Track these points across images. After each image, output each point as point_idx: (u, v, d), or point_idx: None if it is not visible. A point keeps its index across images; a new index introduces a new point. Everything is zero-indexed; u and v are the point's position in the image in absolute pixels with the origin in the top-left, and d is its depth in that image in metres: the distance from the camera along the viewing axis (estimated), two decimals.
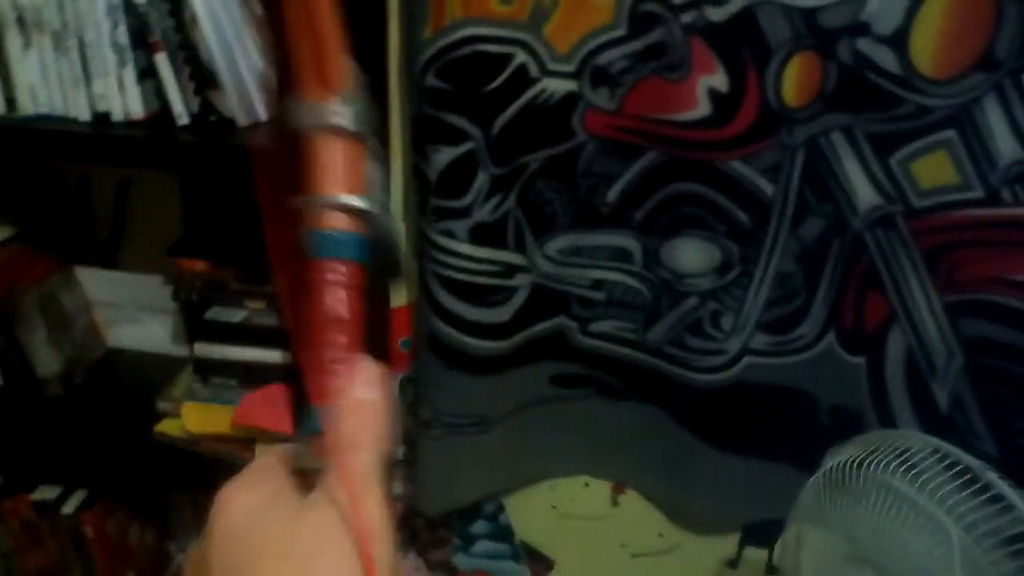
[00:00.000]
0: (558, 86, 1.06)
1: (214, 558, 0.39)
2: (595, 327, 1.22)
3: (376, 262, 0.42)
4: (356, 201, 0.42)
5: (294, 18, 0.41)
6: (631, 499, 1.39)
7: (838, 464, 0.88)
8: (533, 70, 1.05)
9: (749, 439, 1.21)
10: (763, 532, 1.34)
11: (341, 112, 0.41)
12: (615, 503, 1.40)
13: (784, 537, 1.02)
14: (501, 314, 1.20)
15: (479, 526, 1.46)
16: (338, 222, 0.41)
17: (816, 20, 0.97)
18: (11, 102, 1.17)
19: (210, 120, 1.13)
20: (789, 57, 0.99)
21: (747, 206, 1.07)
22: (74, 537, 1.49)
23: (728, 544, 1.37)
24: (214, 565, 0.39)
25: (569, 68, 1.05)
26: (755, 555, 1.36)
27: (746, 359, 1.16)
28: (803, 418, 1.17)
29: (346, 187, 0.42)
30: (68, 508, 1.48)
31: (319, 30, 0.41)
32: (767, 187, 1.06)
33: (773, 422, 1.19)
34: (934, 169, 1.01)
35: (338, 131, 0.41)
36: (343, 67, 0.42)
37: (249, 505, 0.40)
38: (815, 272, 1.10)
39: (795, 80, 1.00)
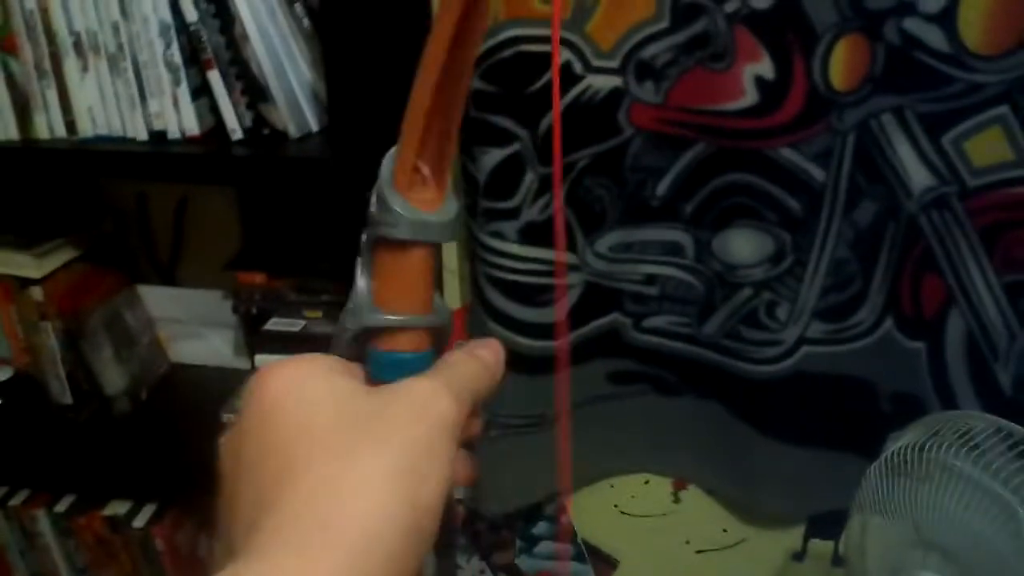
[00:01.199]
0: (603, 82, 1.06)
1: (251, 438, 0.36)
2: (649, 323, 1.22)
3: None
4: (420, 321, 0.41)
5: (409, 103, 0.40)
6: (693, 495, 1.38)
7: (899, 449, 0.87)
8: (577, 67, 1.06)
9: (809, 429, 1.20)
10: (828, 523, 1.32)
11: (396, 222, 0.40)
12: (677, 499, 1.39)
13: (848, 527, 1.00)
14: (554, 313, 1.21)
15: (541, 527, 1.47)
16: (401, 344, 0.41)
17: (862, 2, 0.96)
18: (71, 125, 1.20)
19: (263, 133, 1.15)
20: (835, 41, 0.99)
21: (798, 193, 1.07)
22: (145, 550, 1.52)
23: (793, 537, 1.36)
24: (251, 445, 0.36)
25: (613, 64, 1.05)
26: (821, 547, 1.35)
27: (803, 349, 1.15)
28: (863, 406, 1.16)
29: (409, 307, 0.41)
30: (139, 522, 1.51)
31: (406, 126, 0.40)
32: (818, 173, 1.05)
33: (833, 411, 1.18)
34: (988, 147, 1.00)
35: (401, 241, 0.40)
36: (412, 172, 0.40)
37: (292, 380, 0.37)
38: (870, 257, 1.09)
39: (842, 64, 0.99)
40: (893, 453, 0.90)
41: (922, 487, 0.86)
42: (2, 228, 1.42)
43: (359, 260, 0.41)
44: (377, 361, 0.41)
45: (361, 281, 0.40)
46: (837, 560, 1.35)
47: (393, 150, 0.40)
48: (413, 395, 0.37)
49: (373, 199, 0.40)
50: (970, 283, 1.06)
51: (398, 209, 0.39)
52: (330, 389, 0.37)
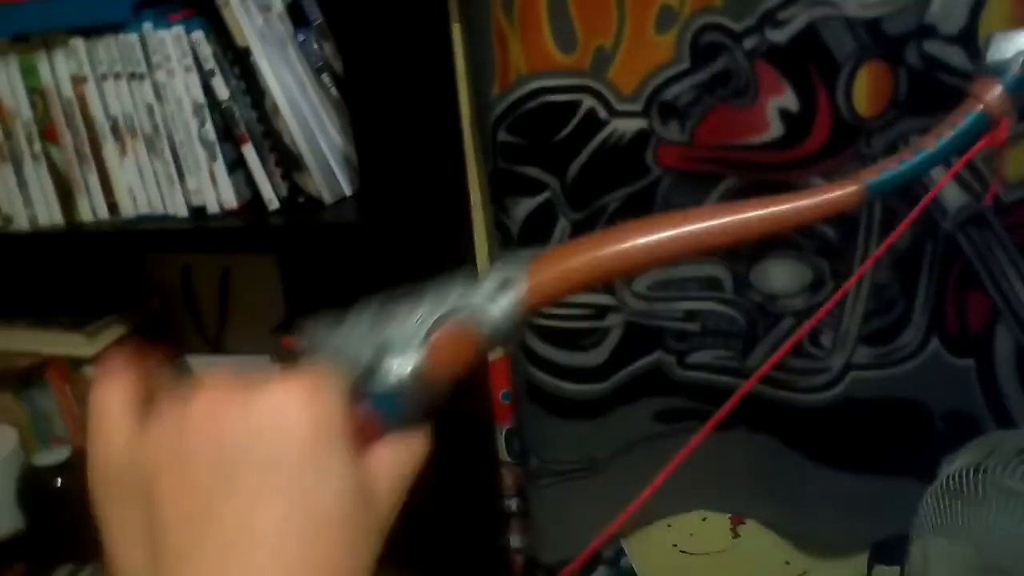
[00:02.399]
0: (628, 125, 1.07)
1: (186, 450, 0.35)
2: (693, 359, 1.22)
3: None
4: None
5: None
6: (752, 529, 1.37)
7: (955, 472, 0.86)
8: (601, 113, 1.07)
9: (864, 455, 1.19)
10: (892, 549, 1.30)
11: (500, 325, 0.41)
12: (736, 535, 1.38)
13: (910, 552, 0.99)
14: (597, 356, 1.21)
15: (601, 572, 1.46)
16: None
17: (881, 29, 0.97)
18: (113, 206, 1.23)
19: (299, 201, 1.17)
20: (857, 68, 0.99)
21: (833, 221, 1.07)
22: None
23: (857, 565, 1.34)
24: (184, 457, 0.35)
25: (636, 107, 1.06)
26: (886, 574, 1.33)
27: (851, 375, 1.14)
28: (917, 428, 1.15)
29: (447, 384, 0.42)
30: None
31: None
32: None
33: (887, 435, 1.16)
34: (1019, 161, 0.99)
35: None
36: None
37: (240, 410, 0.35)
38: (911, 279, 1.09)
39: (866, 90, 1.00)
40: (949, 477, 0.89)
41: (980, 510, 0.85)
42: (53, 310, 1.46)
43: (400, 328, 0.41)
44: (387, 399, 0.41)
45: (404, 359, 0.40)
46: None
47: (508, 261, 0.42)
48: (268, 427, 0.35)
49: (460, 288, 0.41)
50: (1014, 296, 1.06)
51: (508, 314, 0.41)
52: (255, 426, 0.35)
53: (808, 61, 1.00)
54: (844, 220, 1.06)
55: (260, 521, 0.33)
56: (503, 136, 1.10)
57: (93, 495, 0.37)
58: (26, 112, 1.23)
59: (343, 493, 0.35)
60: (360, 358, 0.40)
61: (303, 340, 0.41)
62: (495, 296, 0.41)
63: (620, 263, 0.42)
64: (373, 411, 0.39)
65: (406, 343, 0.40)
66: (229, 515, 0.33)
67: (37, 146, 1.24)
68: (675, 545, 1.42)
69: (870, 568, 1.33)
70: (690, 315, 1.19)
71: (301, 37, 1.14)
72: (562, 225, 1.14)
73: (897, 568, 1.32)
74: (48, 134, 1.23)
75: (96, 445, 0.37)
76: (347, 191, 1.17)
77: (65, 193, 1.25)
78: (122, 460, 0.35)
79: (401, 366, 0.39)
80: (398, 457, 0.39)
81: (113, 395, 0.38)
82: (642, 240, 0.42)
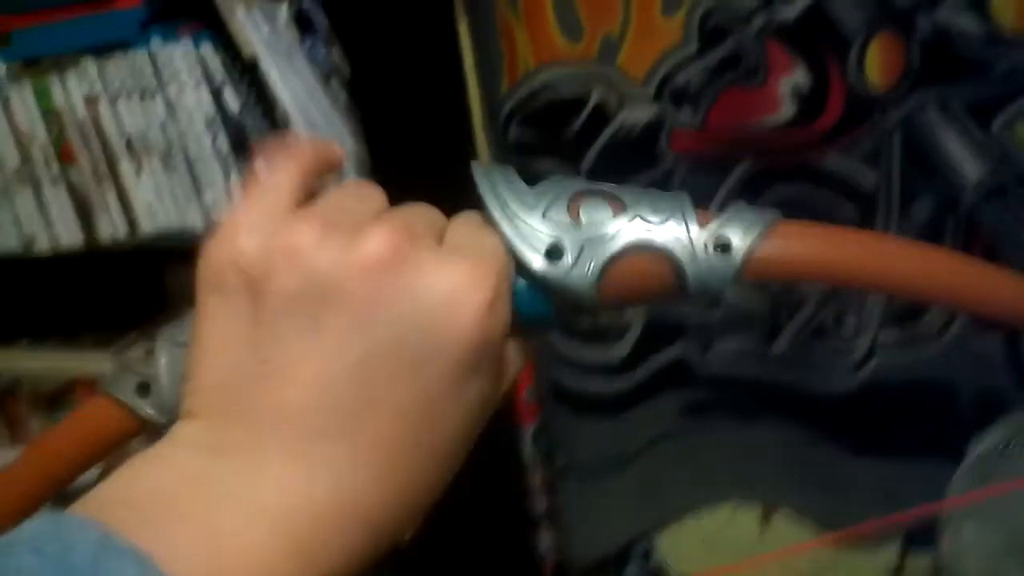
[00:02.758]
0: (640, 113, 1.07)
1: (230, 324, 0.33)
2: (716, 349, 1.20)
3: None
4: None
5: None
6: (783, 518, 1.35)
7: (983, 452, 0.85)
8: (612, 102, 1.07)
9: (893, 439, 1.17)
10: (925, 534, 1.28)
11: None
12: (767, 525, 1.36)
13: (942, 536, 0.98)
14: (619, 350, 1.20)
15: (632, 569, 1.44)
16: None
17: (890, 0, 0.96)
18: (132, 223, 1.24)
19: None
20: (868, 41, 0.98)
21: (852, 198, 1.06)
22: None
23: (889, 552, 1.32)
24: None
25: (647, 93, 1.06)
26: (920, 560, 1.30)
27: (877, 358, 1.13)
28: (946, 409, 1.13)
29: None
30: None
31: None
32: (869, 175, 1.04)
33: (915, 418, 1.15)
34: None
35: None
36: None
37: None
38: None
39: (878, 63, 0.99)
40: (977, 458, 0.88)
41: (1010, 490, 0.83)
42: (78, 330, 1.46)
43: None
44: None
45: (587, 268, 0.36)
46: (937, 571, 1.30)
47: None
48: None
49: (678, 211, 0.37)
50: None
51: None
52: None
53: (818, 37, 0.99)
54: (863, 194, 1.05)
55: (381, 395, 0.31)
56: (515, 131, 1.10)
57: (203, 278, 0.34)
58: (42, 134, 1.24)
59: (470, 409, 0.33)
60: (538, 242, 0.36)
61: (482, 182, 0.38)
62: (716, 244, 0.36)
63: (866, 277, 0.39)
64: (519, 305, 0.36)
65: (594, 250, 0.35)
66: (344, 372, 0.31)
67: (55, 168, 1.25)
68: (705, 539, 1.40)
69: (903, 554, 1.31)
70: None
71: (308, 44, 1.15)
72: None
73: (930, 553, 1.30)
74: (65, 155, 1.24)
75: (237, 227, 0.33)
76: None
77: (84, 213, 1.26)
78: (256, 253, 0.32)
79: (580, 275, 0.35)
80: (514, 359, 0.37)
81: (277, 180, 0.35)
82: (899, 266, 0.38)
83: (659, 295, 0.37)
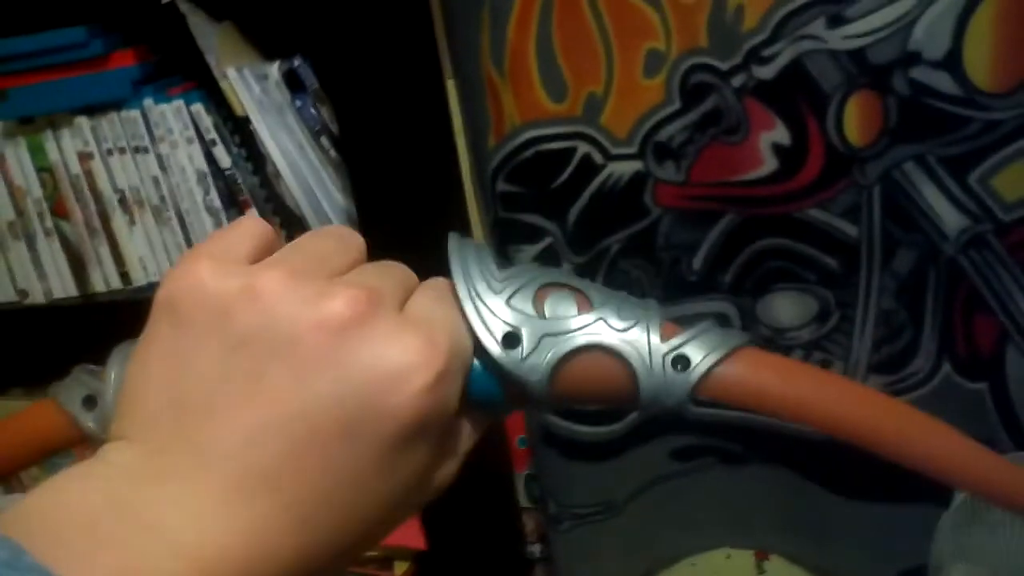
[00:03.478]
0: (624, 168, 1.08)
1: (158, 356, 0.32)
2: None
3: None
4: None
5: None
6: (777, 564, 1.35)
7: (968, 496, 0.86)
8: (597, 158, 1.08)
9: (883, 485, 1.18)
10: None
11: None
12: (761, 570, 1.37)
13: None
14: None
15: None
16: None
17: (866, 58, 0.98)
18: (124, 276, 1.26)
19: None
20: (846, 99, 1.00)
21: (834, 251, 1.07)
22: None
23: None
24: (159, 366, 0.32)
25: (631, 150, 1.07)
26: None
27: None
28: None
29: None
30: None
31: None
32: (850, 229, 1.05)
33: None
34: (1015, 181, 0.99)
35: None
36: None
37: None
38: (917, 305, 1.08)
39: (856, 120, 1.00)
40: (964, 500, 0.89)
41: (997, 533, 0.84)
42: None
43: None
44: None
45: (542, 358, 0.36)
46: None
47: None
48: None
49: (644, 318, 0.36)
50: (1022, 317, 1.05)
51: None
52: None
53: (797, 95, 1.00)
54: (845, 248, 1.06)
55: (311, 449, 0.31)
56: (502, 186, 1.11)
57: (158, 302, 0.33)
58: (36, 190, 1.26)
59: (403, 481, 0.33)
60: (496, 328, 0.35)
61: (454, 256, 0.37)
62: (674, 359, 0.36)
63: (821, 420, 0.38)
64: (472, 385, 0.36)
65: (552, 344, 0.35)
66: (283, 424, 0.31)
67: (48, 222, 1.27)
68: None
69: None
70: None
71: (298, 103, 1.16)
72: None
73: None
74: (58, 210, 1.26)
75: (202, 259, 0.32)
76: None
77: (78, 266, 1.28)
78: (219, 287, 0.32)
79: (533, 366, 0.35)
80: (466, 435, 0.37)
81: (248, 226, 0.35)
82: (855, 414, 0.38)
83: (612, 400, 0.38)
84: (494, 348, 0.35)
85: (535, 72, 1.05)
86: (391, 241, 1.08)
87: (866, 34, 0.97)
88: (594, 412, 1.16)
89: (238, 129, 1.15)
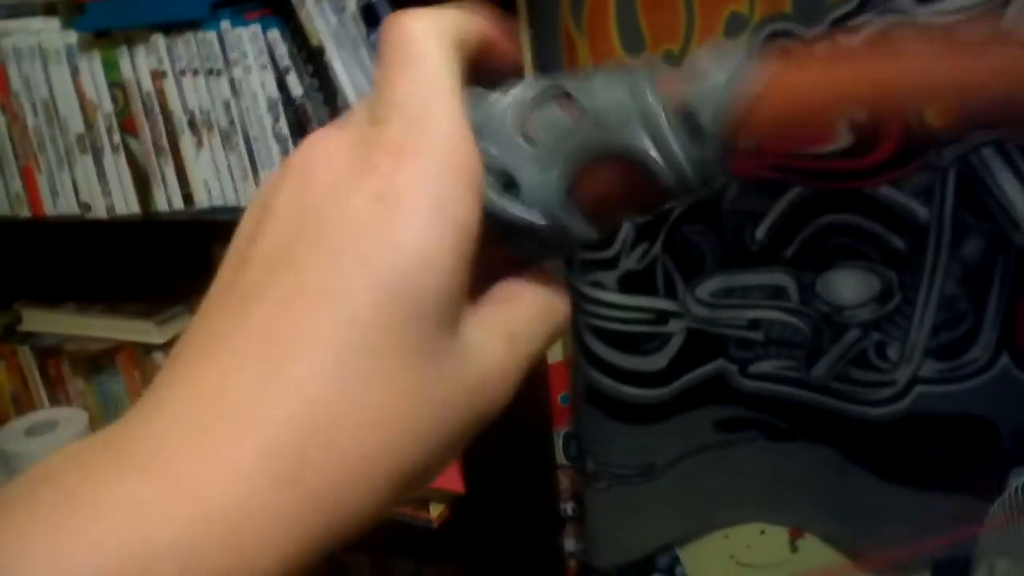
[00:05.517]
0: None
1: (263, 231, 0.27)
2: (756, 368, 1.20)
3: None
4: None
5: None
6: (811, 543, 1.35)
7: (1022, 486, 0.84)
8: None
9: (928, 472, 1.17)
10: (954, 568, 1.27)
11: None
12: (794, 548, 1.36)
13: (974, 571, 0.97)
14: (658, 361, 1.21)
15: None
16: None
17: (954, 36, 0.95)
18: (188, 197, 1.27)
19: None
20: None
21: (902, 231, 1.05)
22: None
23: None
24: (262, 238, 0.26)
25: None
26: None
27: (917, 389, 1.12)
28: (984, 445, 1.12)
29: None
30: None
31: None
32: (920, 210, 1.03)
33: (952, 452, 1.14)
34: None
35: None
36: None
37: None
38: (981, 293, 1.06)
39: None
40: (1015, 491, 0.87)
41: None
42: (124, 297, 1.50)
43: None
44: None
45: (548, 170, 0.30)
46: None
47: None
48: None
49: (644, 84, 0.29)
50: None
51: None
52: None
53: None
54: (913, 229, 1.04)
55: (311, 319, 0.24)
56: None
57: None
58: (107, 105, 1.27)
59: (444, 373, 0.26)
60: (504, 153, 0.29)
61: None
62: (683, 119, 0.28)
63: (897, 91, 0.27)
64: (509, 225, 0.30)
65: (549, 174, 0.29)
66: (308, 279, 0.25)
67: (117, 138, 1.28)
68: (732, 556, 1.40)
69: None
70: (754, 324, 1.18)
71: (373, 38, 1.16)
72: (626, 228, 1.14)
73: None
74: (127, 126, 1.27)
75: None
76: None
77: (142, 184, 1.29)
78: (329, 144, 0.27)
79: (543, 203, 0.29)
80: (537, 310, 0.30)
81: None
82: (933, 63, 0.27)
83: (642, 203, 0.31)
84: (498, 201, 0.29)
85: (613, 27, 1.04)
86: None
87: (957, 11, 0.95)
88: (643, 374, 1.15)
89: (311, 59, 1.15)
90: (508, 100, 0.30)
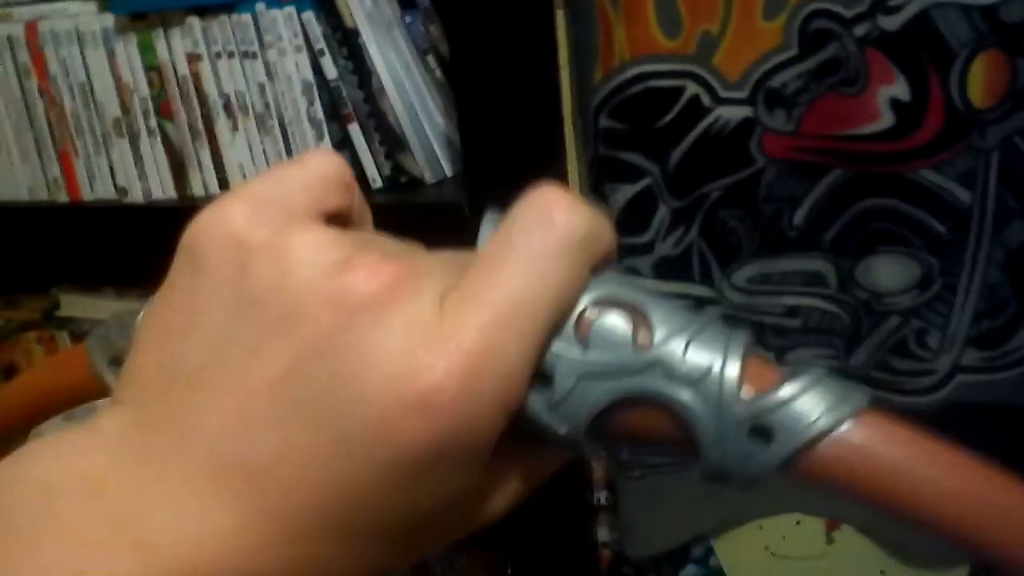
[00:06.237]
0: (732, 113, 1.06)
1: (161, 322, 0.28)
2: (793, 356, 1.19)
3: None
4: None
5: None
6: (847, 535, 1.33)
7: None
8: (705, 100, 1.06)
9: None
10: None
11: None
12: (830, 540, 1.34)
13: None
14: None
15: (689, 570, 1.44)
16: None
17: (998, 16, 0.93)
18: (223, 181, 1.27)
19: (401, 181, 1.19)
20: (972, 57, 0.95)
21: (943, 216, 1.03)
22: None
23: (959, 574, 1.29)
24: (157, 332, 0.28)
25: (742, 94, 1.04)
26: None
27: (958, 378, 1.10)
28: None
29: None
30: None
31: None
32: (963, 194, 1.01)
33: (994, 442, 1.11)
34: None
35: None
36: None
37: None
38: None
39: (981, 81, 0.96)
40: None
41: None
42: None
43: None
44: None
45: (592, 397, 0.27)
46: None
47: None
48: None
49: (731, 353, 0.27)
50: None
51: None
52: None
53: (921, 49, 0.96)
54: (955, 214, 1.02)
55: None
56: (605, 122, 1.09)
57: (181, 246, 0.29)
58: (143, 88, 1.27)
59: (430, 508, 0.27)
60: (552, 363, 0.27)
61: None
62: (756, 427, 0.27)
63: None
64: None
65: (592, 388, 0.27)
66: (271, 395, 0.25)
67: (153, 121, 1.29)
68: (767, 547, 1.39)
69: None
70: (791, 311, 1.16)
71: (408, 19, 1.16)
72: (662, 213, 1.13)
73: None
74: (163, 110, 1.28)
75: (239, 202, 0.28)
76: (448, 172, 1.19)
77: (178, 167, 1.30)
78: (241, 236, 0.27)
79: (568, 415, 0.27)
80: (518, 490, 0.31)
81: (312, 167, 0.29)
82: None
83: (671, 456, 0.30)
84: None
85: (650, 7, 1.03)
86: (490, 168, 1.07)
87: None
88: None
89: (346, 41, 1.15)
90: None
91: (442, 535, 0.29)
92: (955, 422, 1.11)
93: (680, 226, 1.13)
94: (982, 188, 1.01)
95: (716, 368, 0.26)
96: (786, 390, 0.27)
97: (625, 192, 1.12)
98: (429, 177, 1.17)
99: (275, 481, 0.25)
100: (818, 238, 1.10)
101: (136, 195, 1.34)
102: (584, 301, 0.27)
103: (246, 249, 0.26)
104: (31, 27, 1.29)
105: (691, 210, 1.12)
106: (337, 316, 0.25)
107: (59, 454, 0.26)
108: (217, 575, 0.24)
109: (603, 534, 1.46)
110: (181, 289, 0.28)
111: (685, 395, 0.26)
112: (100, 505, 0.24)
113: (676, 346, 0.27)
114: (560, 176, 1.20)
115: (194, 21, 1.20)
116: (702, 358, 0.27)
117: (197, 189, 1.29)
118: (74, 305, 1.60)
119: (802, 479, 0.27)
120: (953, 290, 1.06)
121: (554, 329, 0.27)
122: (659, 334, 0.27)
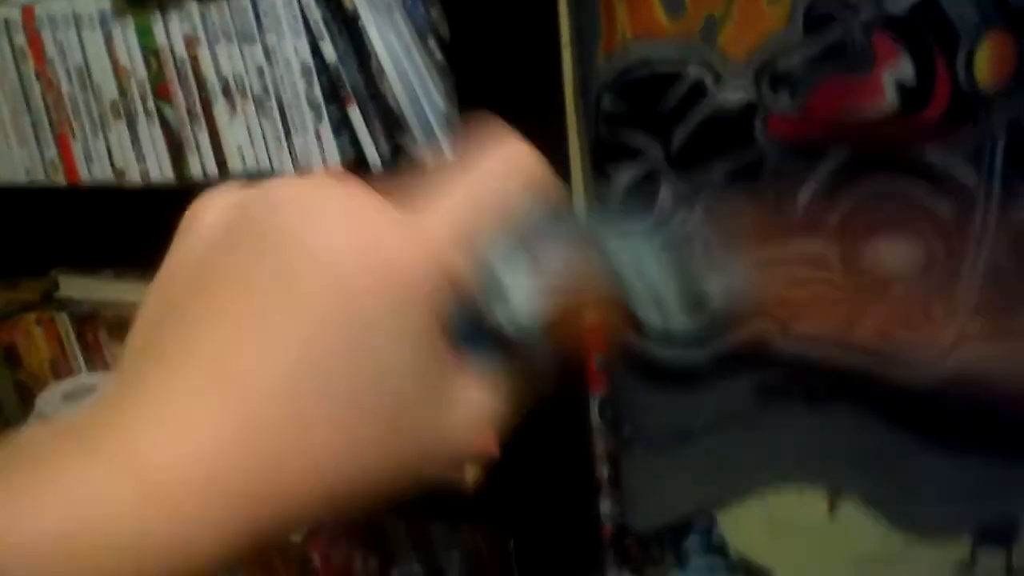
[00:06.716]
0: (736, 95, 1.05)
1: (157, 289, 0.30)
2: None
3: None
4: None
5: None
6: (850, 506, 1.34)
7: None
8: (709, 82, 1.05)
9: (972, 434, 1.15)
10: (998, 531, 1.26)
11: None
12: (833, 511, 1.36)
13: (1019, 537, 0.96)
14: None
15: (692, 542, 1.45)
16: None
17: None
18: (222, 164, 1.27)
19: (401, 163, 1.18)
20: (979, 39, 0.95)
21: (949, 196, 1.03)
22: (302, 565, 1.58)
23: (960, 547, 1.30)
24: (154, 298, 0.29)
25: (746, 76, 1.04)
26: (992, 557, 1.29)
27: (963, 348, 1.11)
28: None
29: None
30: (297, 536, 1.56)
31: None
32: (969, 174, 1.01)
33: (998, 414, 1.13)
34: None
35: None
36: None
37: (223, 218, 0.29)
38: None
39: (987, 62, 0.96)
40: None
41: None
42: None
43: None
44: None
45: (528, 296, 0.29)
46: (1011, 570, 1.29)
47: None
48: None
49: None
50: None
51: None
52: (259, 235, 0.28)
53: (927, 31, 0.96)
54: (960, 195, 1.02)
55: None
56: (607, 104, 1.09)
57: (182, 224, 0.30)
58: (141, 71, 1.26)
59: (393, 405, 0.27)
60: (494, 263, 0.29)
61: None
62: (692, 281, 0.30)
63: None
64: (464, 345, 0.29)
65: (536, 281, 0.29)
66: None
67: (151, 104, 1.28)
68: (769, 520, 1.40)
69: (974, 550, 1.30)
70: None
71: (408, 2, 1.14)
72: (665, 195, 1.12)
73: (1002, 551, 1.28)
74: (161, 92, 1.27)
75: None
76: (449, 154, 1.18)
77: (176, 150, 1.29)
78: (238, 196, 0.29)
79: (520, 302, 0.29)
80: (483, 401, 0.30)
81: None
82: None
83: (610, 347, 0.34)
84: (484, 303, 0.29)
85: None
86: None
87: None
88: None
89: (346, 24, 1.14)
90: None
91: (416, 435, 0.28)
92: (959, 394, 1.12)
93: (683, 206, 1.13)
94: (988, 168, 1.00)
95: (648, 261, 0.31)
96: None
97: (628, 173, 1.12)
98: (429, 159, 1.17)
99: (238, 362, 0.26)
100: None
101: (134, 177, 1.33)
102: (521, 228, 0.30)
103: (238, 200, 0.29)
104: (28, 10, 1.27)
105: (695, 192, 1.12)
106: (306, 210, 0.27)
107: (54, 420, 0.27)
108: (195, 480, 0.24)
109: (605, 508, 1.47)
110: (176, 251, 0.31)
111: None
112: (73, 439, 0.25)
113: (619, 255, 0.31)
114: (562, 157, 1.20)
115: (192, 5, 1.19)
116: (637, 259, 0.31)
117: (195, 171, 1.28)
118: (73, 286, 1.59)
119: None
120: (958, 271, 1.07)
121: (490, 236, 0.30)
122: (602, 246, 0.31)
